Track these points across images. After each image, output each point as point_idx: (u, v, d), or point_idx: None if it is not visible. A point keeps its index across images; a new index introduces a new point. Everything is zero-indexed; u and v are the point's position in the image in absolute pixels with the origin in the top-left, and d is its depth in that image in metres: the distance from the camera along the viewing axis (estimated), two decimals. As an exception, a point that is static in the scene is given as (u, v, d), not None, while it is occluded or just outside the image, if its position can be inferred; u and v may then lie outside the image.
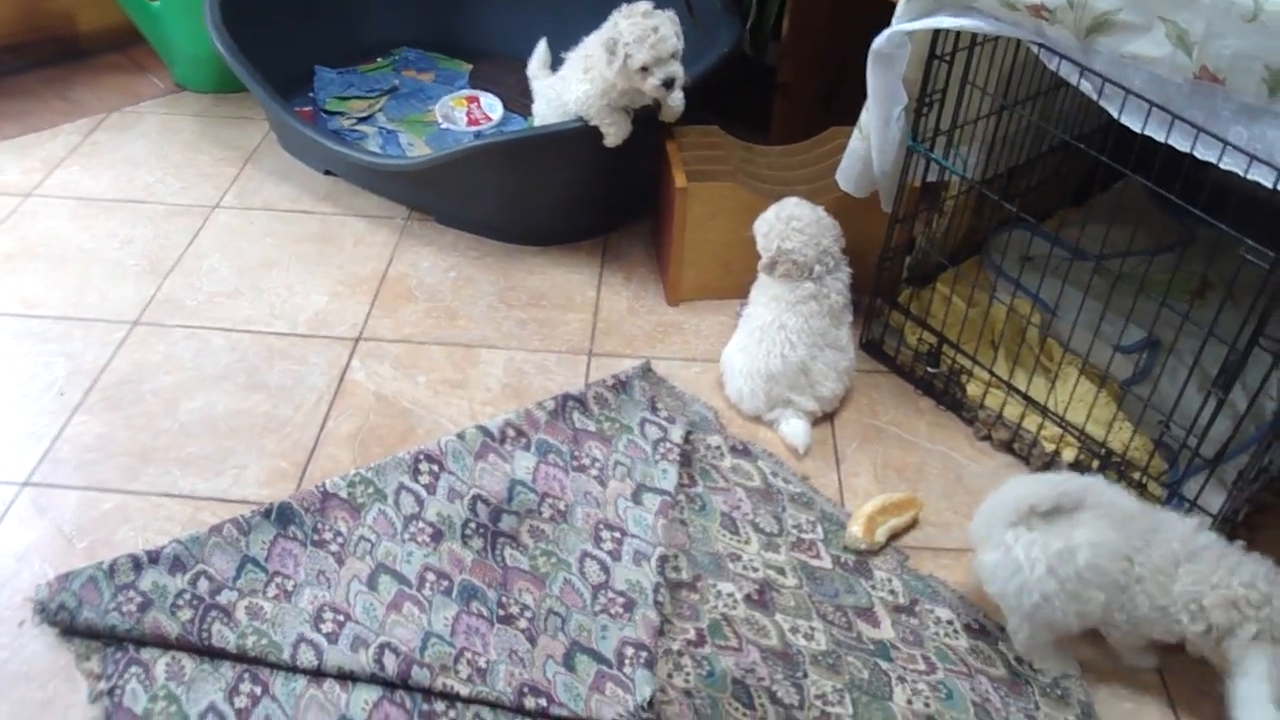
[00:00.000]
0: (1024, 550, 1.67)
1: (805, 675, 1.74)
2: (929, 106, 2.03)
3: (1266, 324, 1.72)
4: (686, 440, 2.09)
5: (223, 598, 1.75)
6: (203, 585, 1.76)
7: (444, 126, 2.91)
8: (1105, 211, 2.57)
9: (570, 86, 2.34)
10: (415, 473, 1.98)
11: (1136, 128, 1.69)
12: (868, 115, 2.10)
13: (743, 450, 2.10)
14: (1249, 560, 1.68)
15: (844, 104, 2.21)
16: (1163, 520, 1.75)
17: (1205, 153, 1.62)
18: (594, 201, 2.57)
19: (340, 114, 2.93)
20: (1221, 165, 1.61)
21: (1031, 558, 1.66)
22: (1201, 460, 1.94)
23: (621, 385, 2.19)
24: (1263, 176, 1.58)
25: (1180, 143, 1.64)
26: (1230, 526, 1.97)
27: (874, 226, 2.22)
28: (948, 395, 2.23)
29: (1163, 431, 2.02)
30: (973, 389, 2.19)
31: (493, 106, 2.98)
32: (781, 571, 1.88)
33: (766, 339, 2.11)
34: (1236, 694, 1.58)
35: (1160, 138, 1.66)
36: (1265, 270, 1.64)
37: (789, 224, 2.11)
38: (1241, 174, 1.60)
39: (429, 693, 1.67)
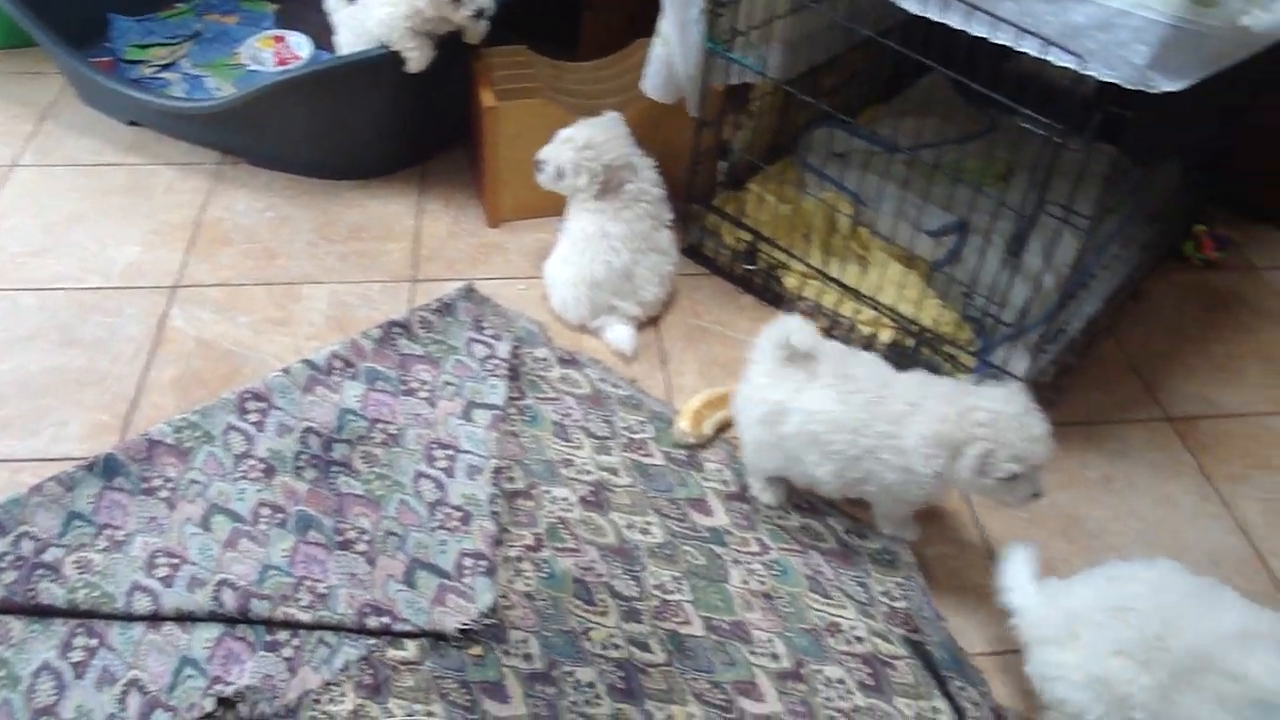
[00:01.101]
0: (757, 389, 1.76)
1: (643, 568, 1.78)
2: (724, 7, 2.05)
3: (1048, 191, 1.80)
4: (514, 355, 2.10)
5: (49, 555, 1.72)
6: (26, 546, 1.72)
7: (252, 68, 2.84)
8: (913, 105, 2.65)
9: (372, 11, 2.30)
10: (243, 412, 1.95)
11: (914, 9, 1.74)
12: (666, 20, 2.12)
13: (570, 360, 2.12)
14: (982, 390, 1.66)
15: (652, 19, 2.23)
16: (889, 380, 1.74)
17: (979, 29, 1.68)
18: (407, 130, 2.54)
19: (141, 62, 2.84)
20: (995, 40, 1.66)
21: (759, 398, 1.74)
22: (1007, 328, 2.03)
23: (446, 308, 2.19)
24: (1031, 48, 1.64)
25: (956, 21, 1.69)
26: (1038, 389, 2.07)
27: (686, 133, 2.25)
28: (767, 290, 2.29)
29: (966, 304, 2.11)
30: (790, 281, 2.25)
31: (301, 45, 2.92)
32: (615, 472, 1.92)
33: (590, 248, 2.14)
34: (1002, 579, 1.66)
35: (936, 18, 1.71)
36: (1046, 140, 1.70)
37: (564, 145, 2.12)
38: (1014, 47, 1.66)
39: (270, 623, 1.66)
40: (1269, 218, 2.75)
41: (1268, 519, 2.05)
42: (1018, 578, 1.63)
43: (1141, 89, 1.59)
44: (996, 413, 1.61)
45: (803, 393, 1.71)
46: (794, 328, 1.69)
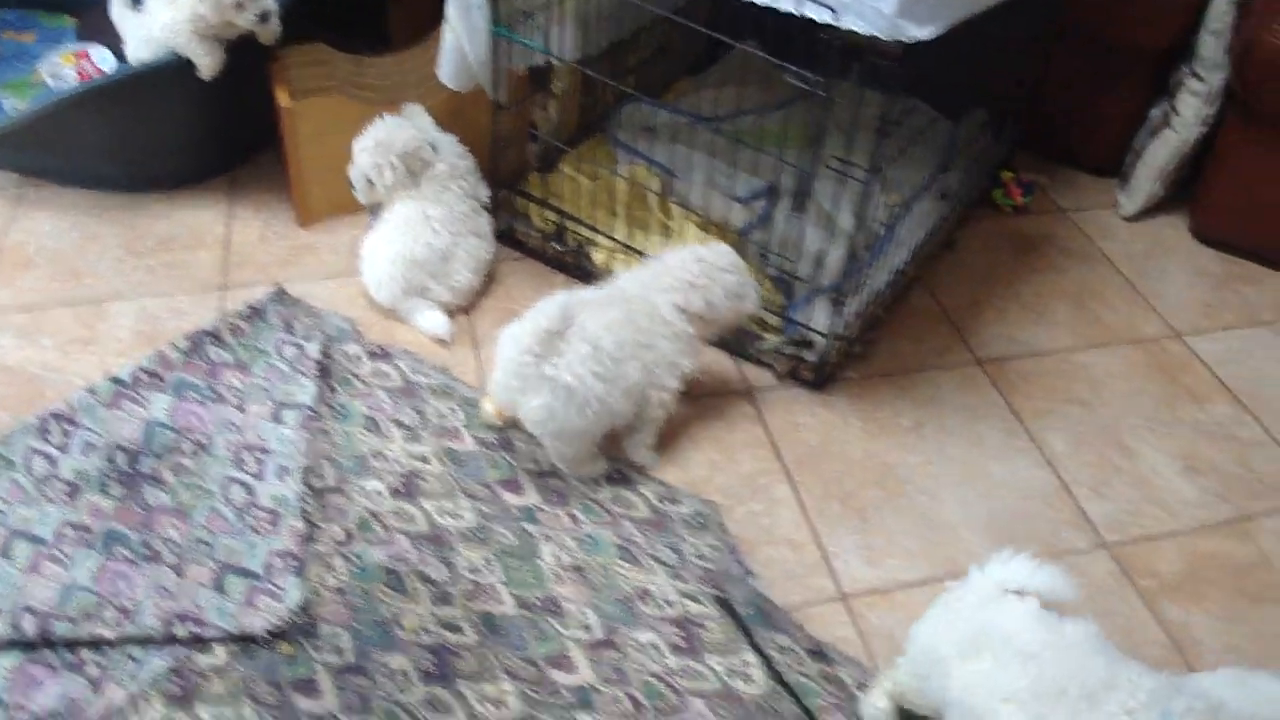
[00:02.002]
0: (567, 371, 1.77)
1: (455, 552, 1.78)
2: (505, -12, 2.06)
3: (849, 150, 1.84)
4: (324, 354, 2.09)
5: None
6: None
7: (53, 85, 2.77)
8: (723, 77, 2.68)
9: (156, 17, 2.27)
10: (45, 434, 1.92)
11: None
12: (451, 5, 2.12)
13: (381, 354, 2.12)
14: (692, 249, 1.97)
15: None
16: (622, 290, 1.92)
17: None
18: (211, 136, 2.51)
19: (-67, 88, 2.76)
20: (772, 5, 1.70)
21: (577, 374, 1.77)
22: (803, 284, 2.08)
23: (256, 313, 2.17)
24: (787, 5, 1.68)
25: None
26: (848, 345, 2.12)
27: (490, 118, 2.26)
28: (578, 269, 2.31)
29: (769, 266, 2.15)
30: (599, 257, 2.27)
31: (105, 59, 2.86)
32: (425, 460, 1.92)
33: (412, 230, 2.16)
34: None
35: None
36: (813, 95, 1.75)
37: (360, 152, 2.14)
38: (760, 3, 1.69)
39: (74, 644, 1.63)
40: (1072, 161, 2.84)
41: (1072, 450, 2.12)
42: (993, 573, 1.51)
43: (897, 38, 1.63)
44: (709, 262, 1.90)
45: (584, 331, 1.80)
46: (535, 323, 1.78)
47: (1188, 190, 2.72)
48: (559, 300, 1.75)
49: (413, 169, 2.14)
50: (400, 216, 2.17)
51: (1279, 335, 2.51)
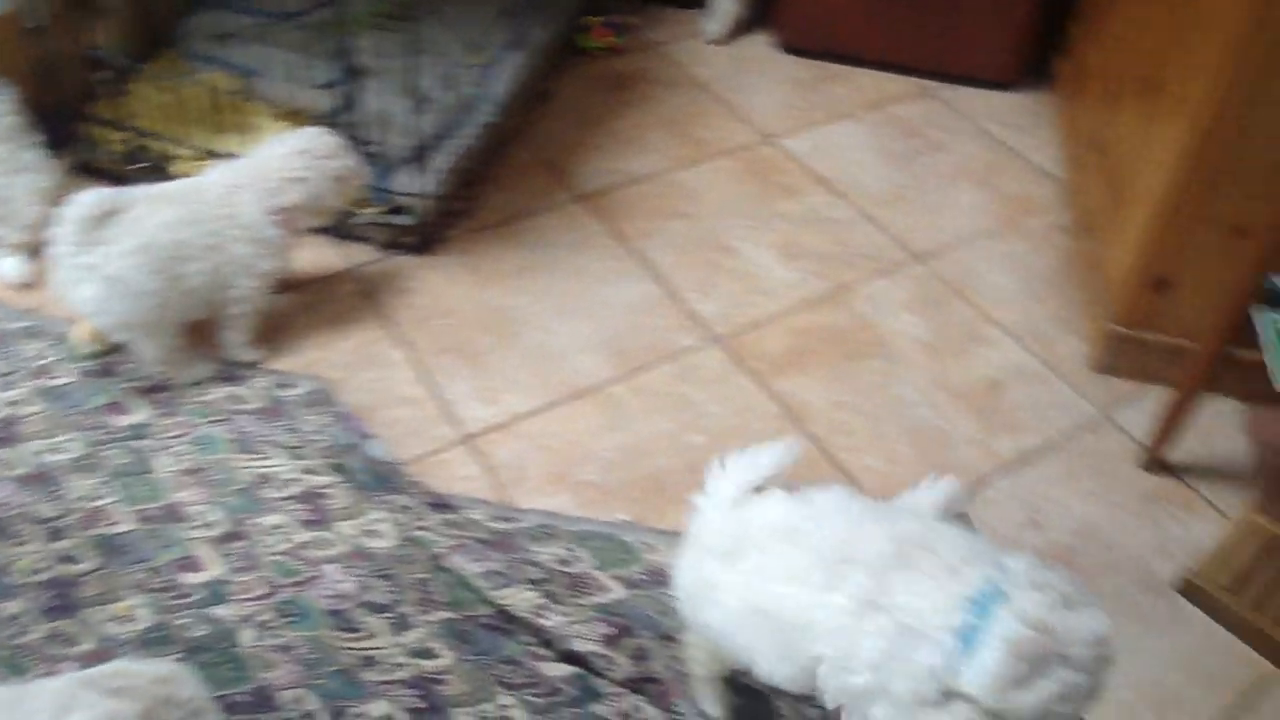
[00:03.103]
0: (109, 263, 1.71)
1: (64, 485, 1.71)
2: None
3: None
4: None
5: None
6: None
7: None
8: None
9: None
10: None
11: None
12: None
13: (-43, 313, 1.99)
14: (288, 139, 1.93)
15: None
16: (201, 183, 1.86)
17: None
18: None
19: None
20: None
21: (121, 266, 1.72)
22: (399, 156, 2.06)
23: None
24: None
25: None
26: (445, 204, 2.11)
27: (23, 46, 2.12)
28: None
29: (351, 142, 2.11)
30: (181, 168, 2.18)
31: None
32: (21, 404, 1.83)
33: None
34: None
35: None
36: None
37: None
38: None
39: None
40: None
41: (676, 261, 2.20)
42: (722, 486, 1.35)
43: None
44: (309, 152, 1.85)
45: (140, 224, 1.74)
46: (78, 208, 1.68)
47: (768, 6, 2.81)
48: (98, 191, 1.68)
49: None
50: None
51: (862, 124, 2.65)
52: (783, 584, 1.22)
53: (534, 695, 1.50)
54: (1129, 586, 1.74)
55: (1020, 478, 1.87)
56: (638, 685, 1.50)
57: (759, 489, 1.32)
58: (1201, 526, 1.83)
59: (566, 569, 1.63)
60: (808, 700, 1.40)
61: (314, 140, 1.88)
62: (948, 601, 1.16)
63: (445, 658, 1.54)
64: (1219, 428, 1.98)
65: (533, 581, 1.59)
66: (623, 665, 1.51)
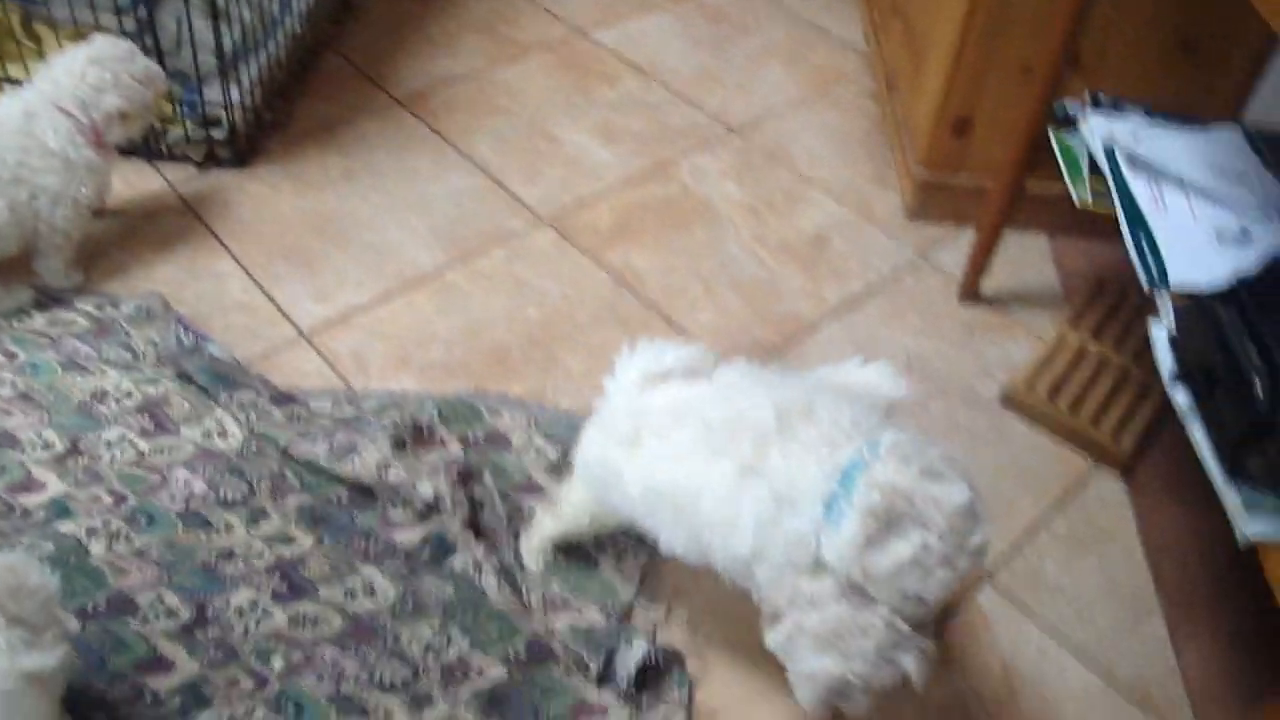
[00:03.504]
0: None
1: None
2: None
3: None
4: None
5: None
6: None
7: None
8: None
9: None
10: None
11: None
12: None
13: None
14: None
15: None
16: None
17: None
18: None
19: None
20: None
21: None
22: (205, 71, 2.01)
23: None
24: None
25: None
26: (258, 116, 2.07)
27: None
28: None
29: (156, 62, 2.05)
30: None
31: None
32: None
33: None
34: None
35: None
36: None
37: None
38: None
39: None
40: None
41: (500, 154, 2.20)
42: (628, 371, 1.35)
43: None
44: (104, 59, 1.78)
45: None
46: None
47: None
48: None
49: None
50: None
51: (669, 14, 2.69)
52: (674, 461, 1.23)
53: (393, 564, 1.51)
54: (956, 406, 1.82)
55: (848, 320, 1.94)
56: (476, 530, 1.52)
57: (664, 377, 1.32)
58: (1018, 348, 1.93)
59: (413, 423, 1.63)
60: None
61: (106, 47, 1.80)
62: (820, 471, 1.17)
63: (304, 541, 1.54)
64: (1030, 260, 2.08)
65: (375, 443, 1.59)
66: (464, 507, 1.53)
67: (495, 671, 1.42)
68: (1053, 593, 1.62)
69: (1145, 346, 1.59)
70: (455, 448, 1.64)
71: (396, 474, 1.57)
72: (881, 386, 1.31)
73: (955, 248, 2.08)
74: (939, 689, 1.48)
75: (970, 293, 2.01)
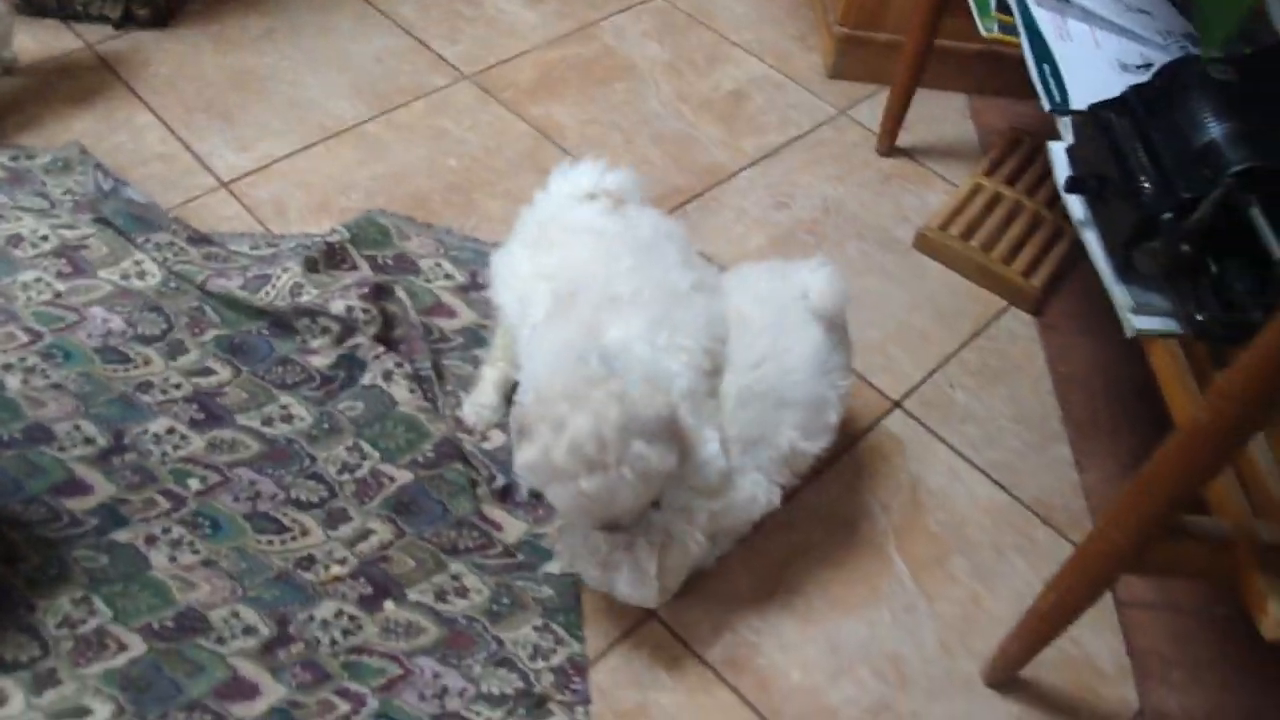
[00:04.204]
0: None
1: None
2: None
3: None
4: None
5: None
6: None
7: None
8: None
9: None
10: None
11: None
12: None
13: None
14: None
15: None
16: None
17: None
18: None
19: None
20: None
21: None
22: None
23: None
24: None
25: None
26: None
27: None
28: None
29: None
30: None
31: None
32: None
33: None
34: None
35: None
36: None
37: None
38: None
39: None
40: None
41: (423, 14, 2.17)
42: (561, 184, 1.44)
43: None
44: None
45: None
46: None
47: None
48: None
49: None
50: None
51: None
52: (539, 279, 1.32)
53: (310, 390, 1.51)
54: (872, 249, 1.84)
55: (767, 169, 1.95)
56: (390, 344, 1.52)
57: (592, 196, 1.38)
58: (935, 196, 1.94)
59: (325, 246, 1.62)
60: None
61: None
62: (585, 343, 1.23)
63: (222, 373, 1.53)
64: (949, 117, 2.10)
65: (288, 270, 1.58)
66: (376, 322, 1.53)
67: (404, 477, 1.42)
68: (962, 419, 1.64)
69: (1057, 195, 1.60)
70: (366, 268, 1.63)
71: (309, 295, 1.56)
72: (813, 290, 1.35)
73: (875, 104, 2.08)
74: (847, 503, 1.50)
75: (888, 146, 2.02)
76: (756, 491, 1.31)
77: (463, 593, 1.33)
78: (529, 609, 1.32)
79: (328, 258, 1.62)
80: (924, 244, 1.85)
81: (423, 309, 1.61)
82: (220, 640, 1.25)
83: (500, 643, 1.29)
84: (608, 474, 1.12)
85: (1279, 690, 1.40)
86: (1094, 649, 1.41)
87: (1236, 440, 0.96)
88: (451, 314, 1.62)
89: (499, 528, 1.40)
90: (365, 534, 1.36)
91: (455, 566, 1.35)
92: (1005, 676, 1.36)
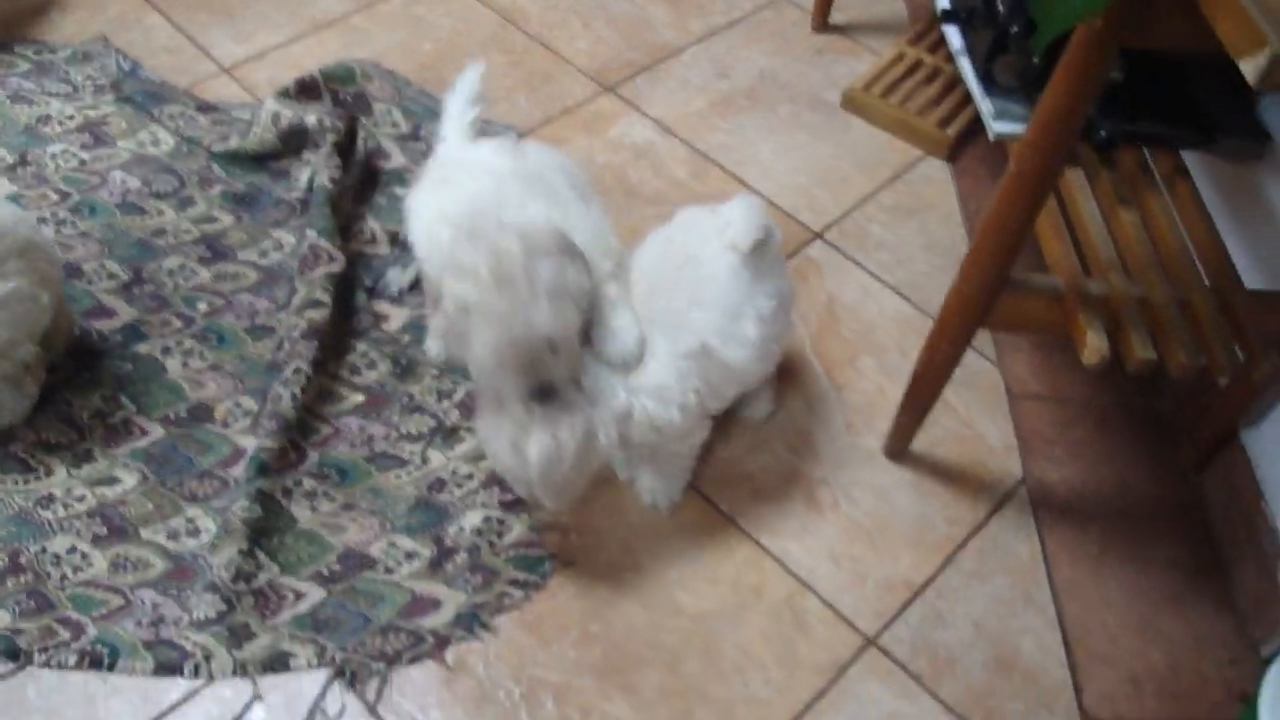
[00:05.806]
0: None
1: None
2: None
3: None
4: None
5: None
6: None
7: None
8: None
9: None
10: None
11: None
12: None
13: None
14: None
15: None
16: None
17: None
18: None
19: None
20: None
21: None
22: None
23: None
24: None
25: None
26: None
27: None
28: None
29: None
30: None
31: None
32: None
33: None
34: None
35: None
36: None
37: None
38: None
39: None
40: None
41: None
42: (447, 125, 1.48)
43: None
44: None
45: None
46: None
47: None
48: None
49: None
50: None
51: None
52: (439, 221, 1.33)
53: (296, 220, 1.71)
54: (802, 110, 2.01)
55: (710, 45, 2.12)
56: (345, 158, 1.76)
57: (480, 121, 1.48)
58: (863, 65, 2.11)
59: (298, 82, 1.86)
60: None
61: None
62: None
63: (224, 220, 1.73)
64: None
65: (264, 104, 1.80)
66: (337, 131, 1.78)
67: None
68: (877, 247, 1.82)
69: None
70: (328, 101, 1.84)
71: (287, 117, 1.76)
72: (733, 225, 1.31)
73: (812, -11, 2.23)
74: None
75: (821, 23, 2.18)
76: (686, 402, 1.28)
77: (373, 365, 1.57)
78: (424, 365, 1.58)
79: (299, 89, 1.81)
80: (849, 103, 2.01)
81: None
82: (225, 425, 1.47)
83: (410, 396, 1.52)
84: (517, 290, 1.13)
85: (1146, 465, 1.58)
86: (985, 430, 1.59)
87: (1041, 183, 1.14)
88: (386, 157, 1.83)
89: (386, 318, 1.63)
90: (310, 305, 1.57)
91: (361, 346, 1.60)
92: (901, 446, 1.54)
